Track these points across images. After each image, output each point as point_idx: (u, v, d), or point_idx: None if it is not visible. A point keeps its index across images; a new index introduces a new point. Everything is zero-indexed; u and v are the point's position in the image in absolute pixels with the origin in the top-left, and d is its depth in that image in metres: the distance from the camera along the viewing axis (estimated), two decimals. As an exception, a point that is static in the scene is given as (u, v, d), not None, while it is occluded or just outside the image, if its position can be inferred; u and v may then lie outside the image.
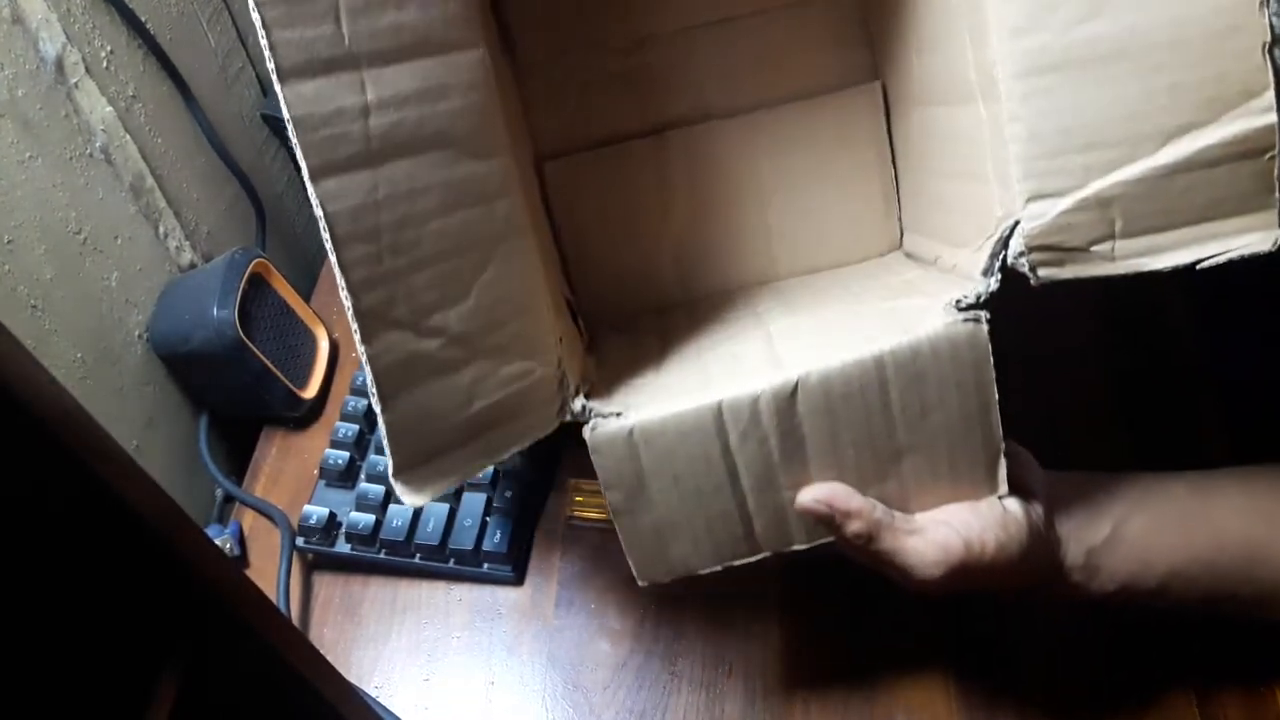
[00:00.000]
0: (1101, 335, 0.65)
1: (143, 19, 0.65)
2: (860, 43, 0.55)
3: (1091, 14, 0.37)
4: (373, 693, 0.58)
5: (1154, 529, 0.45)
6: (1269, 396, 0.58)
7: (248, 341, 0.64)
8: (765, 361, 0.44)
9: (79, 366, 0.60)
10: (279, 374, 0.67)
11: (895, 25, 0.51)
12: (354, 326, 0.36)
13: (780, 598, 0.58)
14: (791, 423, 0.41)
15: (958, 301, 0.40)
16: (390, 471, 0.38)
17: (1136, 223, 0.38)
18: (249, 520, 0.67)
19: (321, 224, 0.35)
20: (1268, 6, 0.35)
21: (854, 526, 0.42)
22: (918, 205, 0.54)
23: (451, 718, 0.57)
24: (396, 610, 0.61)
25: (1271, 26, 0.35)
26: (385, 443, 0.37)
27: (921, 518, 0.43)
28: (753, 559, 0.44)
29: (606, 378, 0.46)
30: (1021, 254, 0.39)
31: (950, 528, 0.42)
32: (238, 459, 0.72)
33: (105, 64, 0.63)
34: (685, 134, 0.55)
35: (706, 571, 0.44)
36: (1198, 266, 0.38)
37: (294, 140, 0.35)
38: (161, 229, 0.68)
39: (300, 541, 0.62)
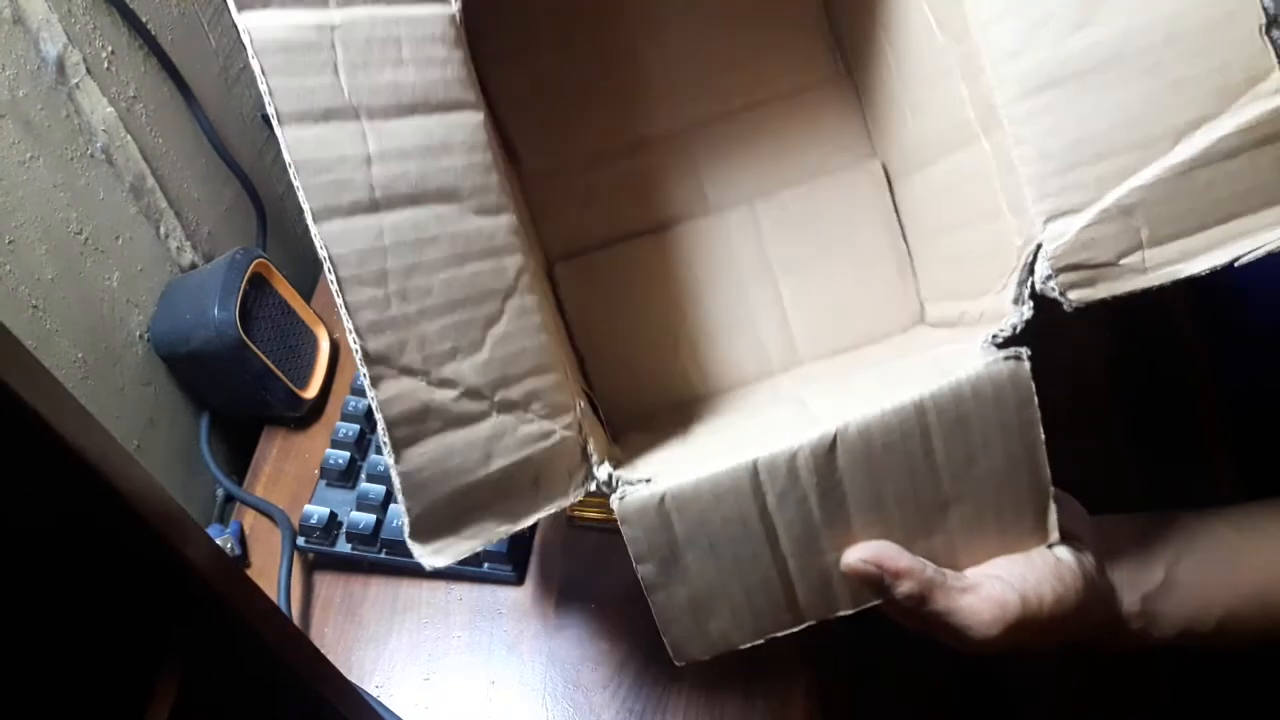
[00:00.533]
0: (1103, 343, 0.65)
1: (144, 19, 0.65)
2: (856, 126, 0.55)
3: (1082, 23, 0.36)
4: (373, 692, 0.58)
5: (1205, 571, 0.44)
6: (1272, 403, 0.58)
7: (248, 341, 0.64)
8: (800, 419, 0.42)
9: (80, 366, 0.60)
10: (280, 374, 0.67)
11: (887, 90, 0.51)
12: (362, 371, 0.35)
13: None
14: (832, 479, 0.39)
15: (993, 336, 0.39)
16: (406, 531, 0.36)
17: (1163, 228, 0.37)
18: (250, 520, 0.67)
19: (326, 265, 0.34)
20: None
21: (905, 587, 0.39)
22: (932, 272, 0.53)
23: (452, 717, 0.57)
24: (397, 610, 0.62)
25: (1265, 9, 0.35)
26: (400, 498, 0.36)
27: (972, 574, 0.40)
28: (796, 629, 0.41)
29: (629, 456, 0.44)
30: (1049, 277, 0.38)
31: (1004, 582, 0.39)
32: (238, 459, 0.72)
33: (106, 64, 0.63)
34: (690, 228, 0.55)
35: (747, 646, 0.41)
36: (1236, 264, 0.36)
37: (295, 181, 0.34)
38: (162, 229, 0.69)
39: (301, 541, 0.63)
